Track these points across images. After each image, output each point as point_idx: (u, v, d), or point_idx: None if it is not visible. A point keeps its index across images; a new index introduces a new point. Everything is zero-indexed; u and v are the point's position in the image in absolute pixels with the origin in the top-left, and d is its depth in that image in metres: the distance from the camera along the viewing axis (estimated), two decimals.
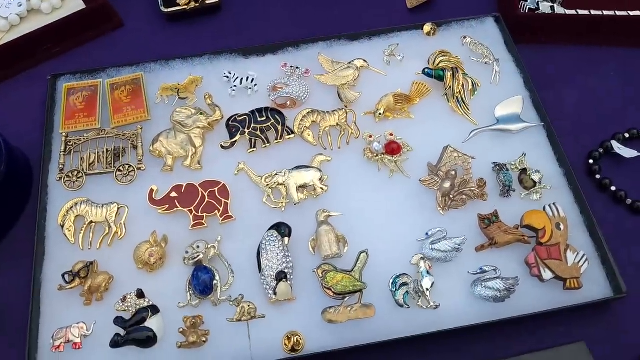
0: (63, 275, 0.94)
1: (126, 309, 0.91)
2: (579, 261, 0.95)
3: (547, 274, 0.94)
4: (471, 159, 1.04)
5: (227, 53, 1.18)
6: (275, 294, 0.92)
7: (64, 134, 1.09)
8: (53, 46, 1.24)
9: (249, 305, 0.91)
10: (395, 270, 0.95)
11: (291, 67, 1.16)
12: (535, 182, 1.03)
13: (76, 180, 1.04)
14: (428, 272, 0.93)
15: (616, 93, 1.17)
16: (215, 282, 0.94)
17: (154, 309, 0.91)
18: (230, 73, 1.15)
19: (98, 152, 1.07)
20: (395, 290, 0.93)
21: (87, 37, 1.27)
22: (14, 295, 0.97)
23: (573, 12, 1.23)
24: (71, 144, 1.08)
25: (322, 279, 0.92)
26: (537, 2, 1.25)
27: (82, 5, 1.28)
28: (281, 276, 0.93)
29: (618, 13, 1.22)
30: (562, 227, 0.98)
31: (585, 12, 1.23)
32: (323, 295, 0.93)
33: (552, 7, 1.24)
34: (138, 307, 0.91)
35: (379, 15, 1.30)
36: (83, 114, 1.11)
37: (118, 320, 0.90)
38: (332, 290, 0.91)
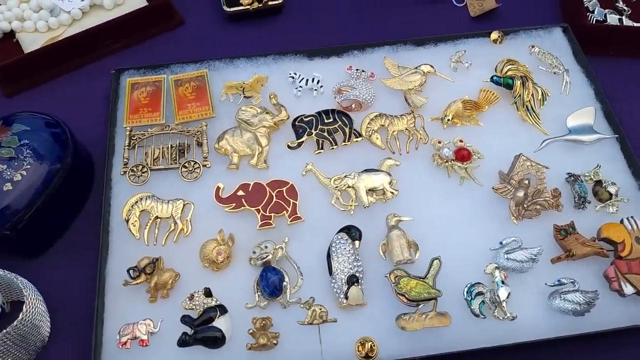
0: (128, 271, 0.92)
1: (194, 307, 0.89)
2: None
3: (628, 289, 0.91)
4: (545, 169, 1.01)
5: (291, 54, 1.17)
6: (346, 298, 0.89)
7: (128, 128, 1.07)
8: (115, 41, 1.24)
9: (320, 309, 0.89)
10: (468, 278, 0.92)
11: (357, 70, 1.14)
12: (611, 195, 1.00)
13: (141, 175, 1.03)
14: (503, 282, 0.90)
15: None
16: (284, 283, 0.91)
17: (222, 309, 0.89)
18: (295, 74, 1.13)
19: (162, 148, 1.06)
20: (471, 299, 0.90)
21: (149, 34, 1.26)
22: (77, 288, 0.95)
23: None
24: (135, 138, 1.06)
25: (395, 284, 0.90)
26: (605, 14, 1.23)
27: (144, 3, 1.27)
28: (353, 280, 0.90)
29: None
30: None
31: None
32: (394, 301, 0.90)
33: (620, 20, 1.23)
34: (206, 306, 0.89)
35: (442, 21, 1.28)
36: (147, 109, 1.10)
37: (185, 319, 0.87)
38: (406, 296, 0.89)
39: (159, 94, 1.11)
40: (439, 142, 1.06)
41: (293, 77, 1.13)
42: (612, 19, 1.22)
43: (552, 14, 1.30)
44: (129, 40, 1.25)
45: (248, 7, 1.25)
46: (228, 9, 1.25)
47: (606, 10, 1.24)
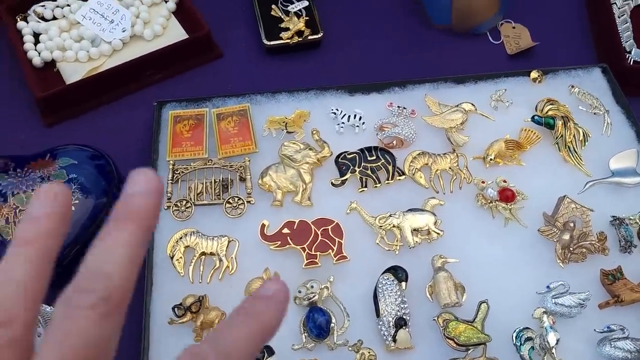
0: (173, 309, 0.91)
1: None
2: None
3: None
4: (590, 212, 1.01)
5: (332, 89, 1.18)
6: (394, 341, 0.89)
7: (171, 161, 1.07)
8: (155, 72, 1.24)
9: (369, 352, 0.88)
10: (515, 323, 0.92)
11: (398, 107, 1.14)
12: None
13: (184, 210, 1.02)
14: (552, 327, 0.90)
15: None
16: (332, 325, 0.91)
17: (269, 350, 0.88)
18: (337, 109, 1.14)
19: (205, 183, 1.06)
20: (520, 345, 0.89)
21: (188, 66, 1.27)
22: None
23: None
24: (178, 172, 1.06)
25: (443, 328, 0.89)
26: None
27: (184, 35, 1.28)
28: (401, 323, 0.90)
29: None
30: None
31: None
32: (442, 345, 0.90)
33: None
34: None
35: (480, 59, 1.29)
36: (190, 143, 1.10)
37: None
38: (455, 340, 0.88)
39: (201, 127, 1.12)
40: (483, 182, 1.06)
41: (335, 113, 1.14)
42: None
43: (589, 54, 1.31)
44: (169, 72, 1.25)
45: (288, 40, 1.26)
46: (268, 42, 1.26)
47: None
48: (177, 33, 1.29)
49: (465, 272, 0.97)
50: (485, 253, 1.00)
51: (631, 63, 1.23)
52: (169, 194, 1.04)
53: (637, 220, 1.02)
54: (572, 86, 1.18)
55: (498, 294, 0.95)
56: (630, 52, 1.25)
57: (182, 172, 1.07)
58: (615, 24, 1.27)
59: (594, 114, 1.15)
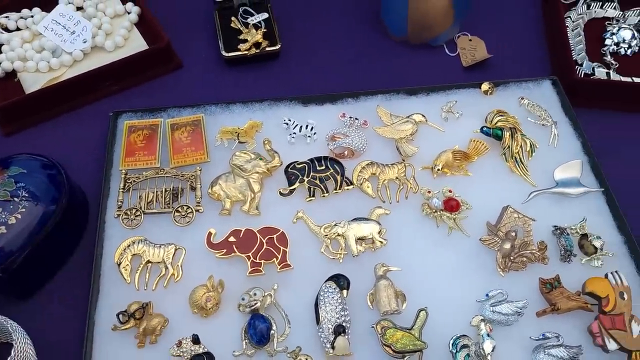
0: (118, 315, 0.93)
1: (181, 354, 0.89)
2: None
3: (612, 345, 0.92)
4: (532, 221, 1.03)
5: (286, 100, 1.20)
6: (333, 348, 0.90)
7: (123, 171, 1.09)
8: (114, 83, 1.26)
9: (306, 358, 0.89)
10: (454, 330, 0.93)
11: (350, 117, 1.17)
12: (596, 248, 1.01)
13: (134, 219, 1.04)
14: (489, 335, 0.91)
15: None
16: (272, 332, 0.92)
17: (210, 356, 0.89)
18: (289, 120, 1.16)
19: (156, 191, 1.07)
20: (456, 352, 0.91)
21: (147, 77, 1.29)
22: (66, 331, 0.96)
23: (628, 79, 1.24)
24: (130, 181, 1.08)
25: (381, 335, 0.91)
26: (593, 68, 1.26)
27: (145, 45, 1.31)
28: (339, 330, 0.91)
29: None
30: (625, 296, 0.96)
31: None
32: (381, 352, 0.91)
33: (608, 74, 1.26)
34: (193, 353, 0.89)
35: (435, 71, 1.31)
36: (143, 152, 1.12)
37: None
38: (392, 348, 0.90)
39: (155, 137, 1.14)
40: (429, 192, 1.08)
41: (287, 124, 1.16)
42: (600, 72, 1.26)
43: (543, 66, 1.33)
44: (128, 82, 1.27)
45: (246, 52, 1.28)
46: (226, 54, 1.28)
47: (594, 64, 1.27)
48: (138, 44, 1.32)
49: (408, 280, 0.99)
50: (429, 262, 1.01)
51: (582, 76, 1.25)
52: (119, 203, 1.06)
53: (578, 230, 1.04)
54: (522, 98, 1.21)
55: (439, 301, 0.97)
56: (581, 65, 1.27)
57: (134, 181, 1.08)
58: (568, 38, 1.30)
59: (542, 125, 1.18)
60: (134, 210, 1.05)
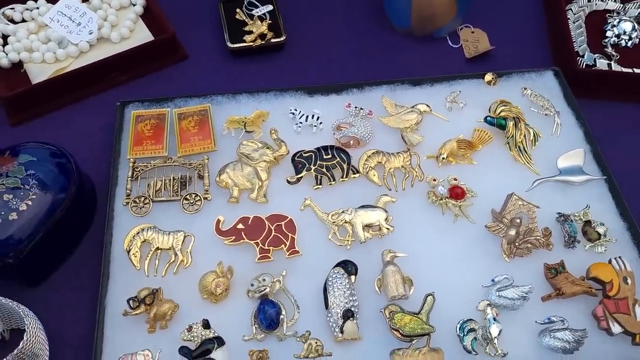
0: (128, 301, 0.93)
1: (192, 339, 0.90)
2: None
3: (616, 328, 0.93)
4: (536, 208, 1.04)
5: (292, 90, 1.21)
6: (342, 332, 0.91)
7: (131, 159, 1.10)
8: (120, 74, 1.27)
9: (316, 342, 0.90)
10: (461, 315, 0.95)
11: (355, 107, 1.18)
12: (599, 235, 1.03)
13: (143, 207, 1.05)
14: (495, 319, 0.93)
15: None
16: (281, 316, 0.93)
17: (220, 341, 0.90)
18: (295, 110, 1.17)
19: (164, 180, 1.08)
20: (464, 335, 0.92)
21: (153, 67, 1.30)
22: (77, 317, 0.96)
23: (629, 70, 1.26)
24: (138, 170, 1.09)
25: (389, 319, 0.92)
26: (594, 59, 1.28)
27: (150, 37, 1.31)
28: (348, 314, 0.92)
29: None
30: (629, 281, 0.97)
31: None
32: (389, 336, 0.92)
33: (609, 65, 1.27)
34: (203, 337, 0.90)
35: (438, 62, 1.33)
36: (151, 142, 1.13)
37: (183, 350, 0.89)
38: (400, 331, 0.91)
39: (162, 126, 1.15)
40: (434, 180, 1.09)
41: (293, 113, 1.17)
42: (602, 63, 1.27)
43: (544, 57, 1.35)
44: (134, 73, 1.28)
45: (251, 43, 1.29)
46: (231, 45, 1.29)
47: (596, 55, 1.28)
48: (143, 35, 1.32)
49: (414, 266, 1.00)
50: (434, 248, 1.03)
51: (583, 66, 1.27)
52: (128, 191, 1.06)
53: (582, 217, 1.05)
54: (525, 88, 1.22)
55: (445, 287, 0.98)
56: (583, 56, 1.29)
57: (142, 169, 1.09)
58: (569, 29, 1.31)
59: (545, 115, 1.19)
60: (142, 199, 1.05)
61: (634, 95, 1.25)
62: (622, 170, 1.13)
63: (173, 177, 1.09)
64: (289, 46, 1.34)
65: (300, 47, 1.34)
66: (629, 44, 1.32)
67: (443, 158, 1.12)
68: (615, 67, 1.27)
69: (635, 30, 1.33)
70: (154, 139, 1.13)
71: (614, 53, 1.30)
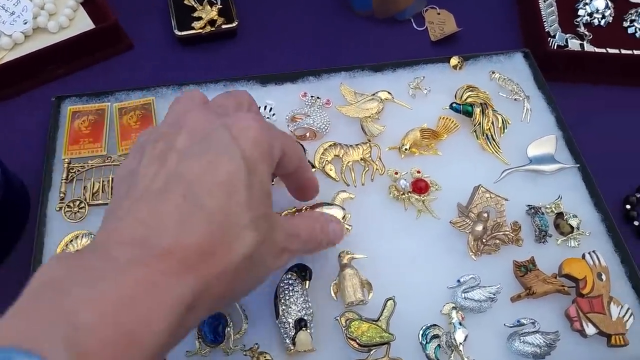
0: None
1: None
2: (624, 315, 0.88)
3: (590, 329, 0.86)
4: (504, 201, 0.97)
5: (243, 80, 1.12)
6: (294, 344, 0.83)
7: (66, 160, 1.01)
8: (58, 67, 1.18)
9: (264, 357, 0.83)
10: (425, 319, 0.87)
11: (311, 97, 1.09)
12: (572, 228, 0.96)
13: (77, 211, 0.96)
14: (461, 324, 0.86)
15: None
16: (227, 329, 0.85)
17: None
18: None
19: (103, 181, 0.99)
20: (426, 343, 0.85)
21: (95, 59, 1.20)
22: None
23: (603, 50, 1.19)
24: (74, 171, 1.00)
25: (345, 328, 0.84)
26: (566, 39, 1.21)
27: (91, 25, 1.22)
28: (301, 324, 0.84)
29: None
30: (604, 277, 0.91)
31: (615, 51, 1.19)
32: (346, 346, 0.85)
33: (582, 45, 1.20)
34: None
35: (402, 46, 1.25)
36: (88, 140, 1.03)
37: None
38: (357, 341, 0.83)
39: (102, 123, 1.05)
40: (396, 173, 1.01)
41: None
42: (574, 44, 1.20)
43: (514, 39, 1.27)
44: (74, 66, 1.19)
45: (200, 30, 1.20)
46: (179, 33, 1.20)
47: (567, 35, 1.21)
48: (84, 24, 1.23)
49: (374, 268, 0.92)
50: (396, 247, 0.95)
51: (554, 47, 1.19)
52: (61, 195, 0.97)
53: (554, 209, 0.98)
54: (493, 72, 1.15)
55: (407, 289, 0.90)
56: (554, 37, 1.21)
57: (79, 170, 1.00)
58: (539, 9, 1.24)
59: (515, 100, 1.12)
60: (77, 202, 0.97)
61: (608, 76, 1.18)
62: (596, 156, 1.06)
63: (112, 178, 1.00)
64: (242, 33, 1.25)
65: (254, 33, 1.25)
66: (602, 22, 1.25)
67: (406, 149, 1.04)
68: (588, 47, 1.19)
69: (609, 8, 1.25)
70: (92, 136, 1.04)
71: (586, 32, 1.22)
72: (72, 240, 0.92)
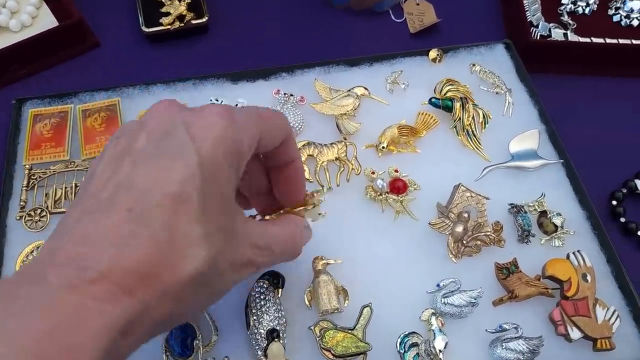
0: None
1: None
2: (610, 318, 0.84)
3: (575, 333, 0.83)
4: (485, 200, 0.93)
5: (214, 78, 1.07)
6: (265, 355, 0.80)
7: (27, 166, 0.96)
8: (20, 67, 1.12)
9: None
10: (403, 327, 0.83)
11: (284, 94, 1.05)
12: (556, 227, 0.92)
13: (39, 220, 0.91)
14: (440, 330, 0.82)
15: (637, 128, 1.08)
16: (196, 341, 0.81)
17: None
18: (217, 100, 1.04)
19: (65, 187, 0.95)
20: (405, 352, 0.81)
21: (59, 58, 1.15)
22: None
23: (587, 39, 1.15)
24: (35, 177, 0.95)
25: (319, 338, 0.81)
26: (549, 29, 1.16)
27: (55, 23, 1.16)
28: (273, 335, 0.81)
29: (635, 42, 1.13)
30: (589, 278, 0.87)
31: (600, 40, 1.14)
32: (321, 357, 0.81)
33: (565, 34, 1.16)
34: None
35: (380, 39, 1.20)
36: (50, 144, 0.99)
37: None
38: (332, 352, 0.80)
39: (64, 126, 1.01)
40: (373, 173, 0.97)
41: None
42: (557, 33, 1.16)
43: (497, 29, 1.23)
44: (37, 66, 1.13)
45: (169, 27, 1.15)
46: (147, 30, 1.15)
47: (550, 25, 1.17)
48: (48, 22, 1.17)
49: (351, 273, 0.88)
50: (373, 251, 0.91)
51: (537, 37, 1.15)
52: (22, 203, 0.93)
53: (537, 207, 0.95)
54: (473, 64, 1.10)
55: (385, 295, 0.86)
56: (537, 27, 1.17)
57: (40, 177, 0.95)
58: None
59: (496, 93, 1.08)
60: (38, 211, 0.92)
61: (593, 67, 1.14)
62: (581, 150, 1.02)
63: (76, 184, 0.95)
64: (213, 28, 1.20)
65: (226, 29, 1.21)
66: (587, 10, 1.20)
67: (383, 147, 1.00)
68: (572, 36, 1.15)
69: None
70: (54, 140, 0.99)
71: (570, 22, 1.18)
72: (33, 251, 0.88)
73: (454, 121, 1.03)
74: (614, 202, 1.00)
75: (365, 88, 1.06)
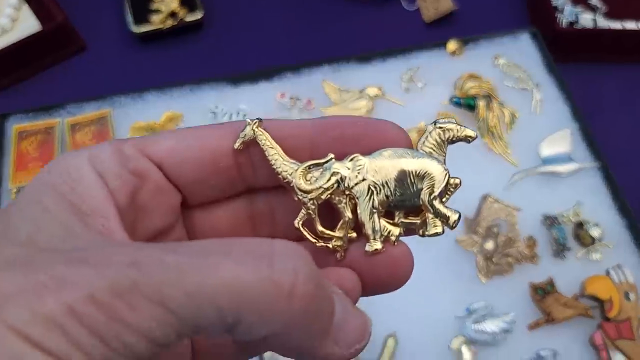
0: None
1: None
2: None
3: (618, 358, 0.76)
4: (516, 211, 0.85)
5: (212, 82, 0.98)
6: None
7: (14, 189, 0.88)
8: (2, 76, 1.03)
9: None
10: (431, 356, 0.76)
11: (291, 98, 0.96)
12: (594, 239, 0.84)
13: None
14: None
15: None
16: None
17: None
18: (216, 107, 0.95)
19: None
20: None
21: (44, 64, 1.06)
22: None
23: (618, 25, 1.05)
24: None
25: None
26: (576, 14, 1.06)
27: (38, 26, 1.07)
28: None
29: None
30: (632, 296, 0.80)
31: (633, 26, 1.05)
32: None
33: (594, 20, 1.06)
34: None
35: (392, 31, 1.10)
36: (38, 164, 0.90)
37: None
38: None
39: (52, 143, 0.92)
40: None
41: (214, 112, 0.95)
42: (585, 19, 1.06)
43: (520, 16, 1.13)
44: (20, 74, 1.04)
45: (161, 26, 1.05)
46: (137, 29, 1.05)
47: (578, 9, 1.07)
48: (30, 25, 1.07)
49: (372, 299, 0.80)
50: None
51: (562, 24, 1.05)
52: None
53: (572, 218, 0.86)
54: (497, 57, 1.01)
55: (411, 323, 0.79)
56: (562, 12, 1.07)
57: None
58: None
59: (522, 89, 0.98)
60: None
61: (627, 54, 1.04)
62: (618, 152, 0.94)
63: None
64: (208, 25, 1.10)
65: (222, 25, 1.11)
66: None
67: None
68: (601, 22, 1.05)
69: None
70: (42, 159, 0.91)
71: (599, 5, 1.08)
72: None
73: (478, 122, 0.95)
74: None
75: (379, 88, 0.97)
